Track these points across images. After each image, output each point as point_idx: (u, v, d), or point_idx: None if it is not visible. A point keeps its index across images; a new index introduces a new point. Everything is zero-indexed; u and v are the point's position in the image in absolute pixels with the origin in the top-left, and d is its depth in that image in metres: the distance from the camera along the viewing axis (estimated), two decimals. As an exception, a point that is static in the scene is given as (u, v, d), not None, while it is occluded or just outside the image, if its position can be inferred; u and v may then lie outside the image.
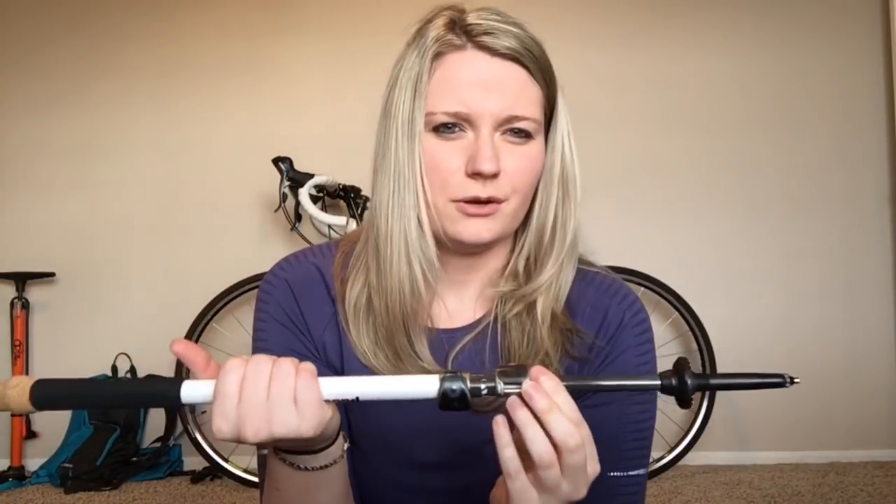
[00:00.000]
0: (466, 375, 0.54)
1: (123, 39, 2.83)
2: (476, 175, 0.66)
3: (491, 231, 0.69)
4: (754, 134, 2.70)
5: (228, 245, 2.73)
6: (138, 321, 2.73)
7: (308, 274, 0.77)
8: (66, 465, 2.42)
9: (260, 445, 0.59)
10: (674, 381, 0.55)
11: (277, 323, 0.75)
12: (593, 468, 0.55)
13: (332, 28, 2.78)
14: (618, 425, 0.73)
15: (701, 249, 2.69)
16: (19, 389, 0.54)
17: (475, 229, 0.68)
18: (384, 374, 0.73)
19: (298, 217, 2.50)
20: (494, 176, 0.67)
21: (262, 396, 0.52)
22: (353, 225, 2.34)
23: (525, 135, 0.69)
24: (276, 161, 2.39)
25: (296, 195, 2.36)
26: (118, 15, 2.83)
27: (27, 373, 2.68)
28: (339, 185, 2.45)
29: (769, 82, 2.71)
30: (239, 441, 0.53)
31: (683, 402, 0.55)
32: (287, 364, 0.54)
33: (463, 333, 0.75)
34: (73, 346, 2.74)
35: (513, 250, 0.77)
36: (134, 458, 2.54)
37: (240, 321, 2.52)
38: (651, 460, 2.42)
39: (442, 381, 0.54)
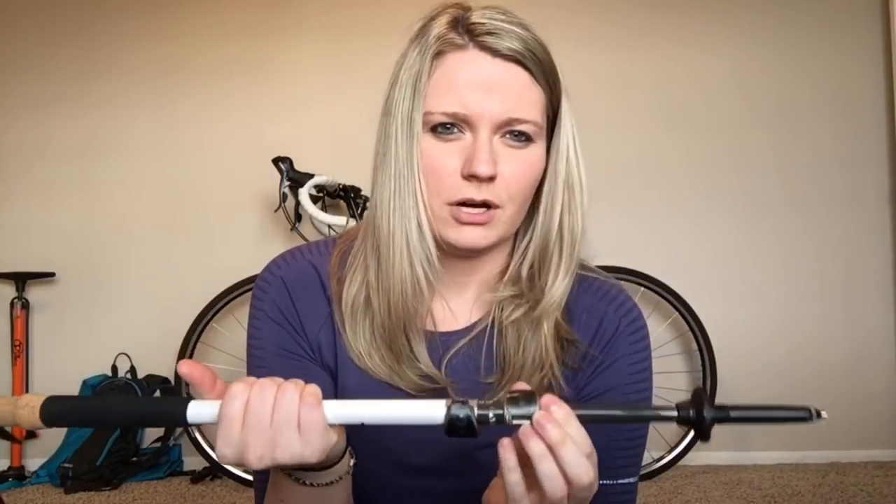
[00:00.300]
0: (474, 403, 0.53)
1: (123, 39, 2.82)
2: (472, 177, 0.65)
3: (487, 238, 0.68)
4: (755, 134, 2.70)
5: (228, 245, 2.73)
6: (138, 321, 2.73)
7: (304, 272, 0.76)
8: (66, 465, 2.42)
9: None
10: (691, 413, 0.52)
11: (272, 322, 0.75)
12: (596, 486, 0.54)
13: (333, 28, 2.78)
14: (610, 433, 0.72)
15: (701, 249, 2.69)
16: (29, 409, 0.55)
17: (470, 236, 0.68)
18: (378, 375, 0.73)
19: (298, 217, 2.50)
20: (491, 179, 0.66)
21: (266, 422, 0.52)
22: (353, 225, 2.34)
23: (525, 138, 0.67)
24: (276, 161, 2.39)
25: (296, 195, 2.36)
26: (118, 15, 2.83)
27: (27, 373, 2.68)
28: (339, 185, 2.45)
29: (769, 82, 2.71)
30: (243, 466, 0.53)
31: (702, 435, 0.52)
32: (291, 389, 0.53)
33: (459, 337, 0.74)
34: (73, 346, 2.74)
35: (511, 254, 0.75)
36: (134, 458, 2.54)
37: (240, 321, 2.52)
38: (651, 460, 2.42)
39: (449, 407, 0.53)
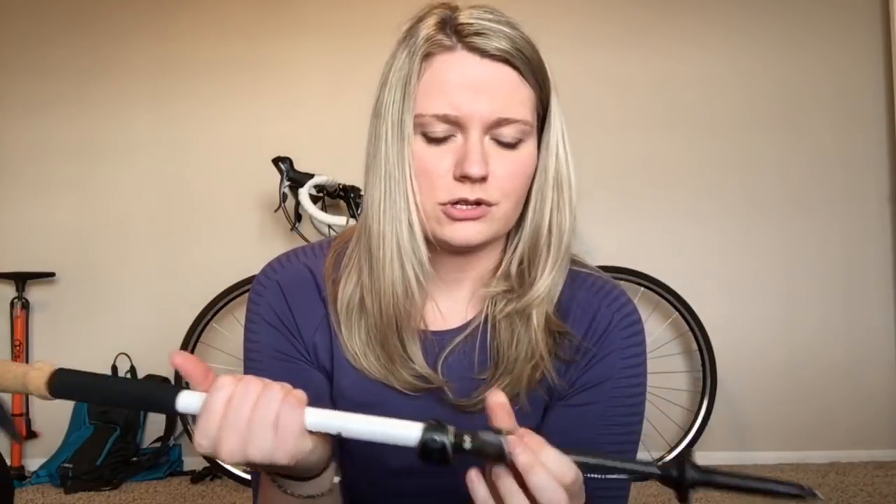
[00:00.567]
0: (451, 428, 0.52)
1: (122, 39, 2.82)
2: (464, 178, 0.66)
3: (481, 234, 0.68)
4: (755, 133, 2.70)
5: (228, 245, 2.73)
6: (138, 321, 2.73)
7: (299, 275, 0.77)
8: (66, 465, 2.42)
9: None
10: (673, 473, 0.51)
11: (268, 325, 0.75)
12: None
13: (332, 28, 2.78)
14: (599, 427, 0.72)
15: (701, 249, 2.69)
16: (41, 373, 0.56)
17: (464, 233, 0.68)
18: (374, 375, 0.73)
19: (298, 217, 2.50)
20: (483, 179, 0.66)
21: (244, 418, 0.52)
22: (353, 224, 2.34)
23: (516, 137, 0.68)
24: (276, 161, 2.39)
25: (296, 195, 2.36)
26: (117, 14, 2.83)
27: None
28: (339, 185, 2.45)
29: (770, 82, 2.71)
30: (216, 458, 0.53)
31: (682, 496, 0.51)
32: (276, 389, 0.54)
33: (454, 335, 0.75)
34: (73, 346, 2.74)
35: (504, 250, 0.76)
36: (134, 458, 2.54)
37: (239, 321, 2.52)
38: (651, 461, 2.41)
39: (424, 431, 0.52)
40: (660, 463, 0.51)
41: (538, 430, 0.74)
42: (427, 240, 0.69)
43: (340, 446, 0.76)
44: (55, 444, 2.58)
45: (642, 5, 2.76)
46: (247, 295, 2.62)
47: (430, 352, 0.74)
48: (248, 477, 2.35)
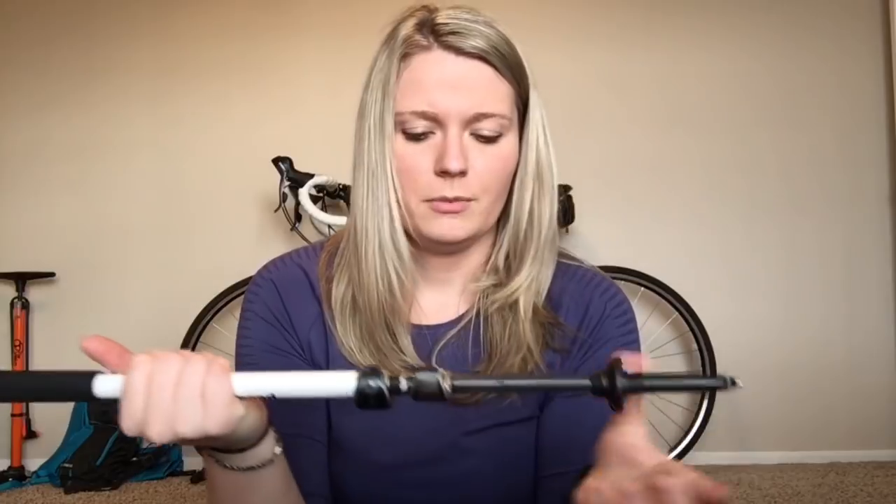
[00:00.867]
0: (385, 372, 0.51)
1: (122, 39, 2.82)
2: (444, 174, 0.67)
3: (464, 229, 0.70)
4: (755, 133, 2.70)
5: (228, 245, 2.73)
6: (138, 321, 2.73)
7: (293, 275, 0.78)
8: (66, 465, 2.42)
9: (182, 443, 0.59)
10: (604, 382, 0.51)
11: (262, 321, 0.76)
12: None
13: (332, 28, 2.78)
14: (603, 416, 0.72)
15: (701, 249, 2.69)
16: None
17: (447, 227, 0.69)
18: None
19: (298, 217, 2.50)
20: (462, 174, 0.67)
21: (168, 394, 0.50)
22: (352, 225, 2.34)
23: (495, 131, 0.69)
24: (276, 161, 2.39)
25: (296, 195, 2.36)
26: (116, 14, 2.83)
27: (27, 373, 2.68)
28: (339, 185, 2.45)
29: (770, 82, 2.71)
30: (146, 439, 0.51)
31: (615, 405, 0.52)
32: (198, 359, 0.52)
33: (447, 329, 0.76)
34: (73, 346, 2.68)
35: (493, 245, 0.78)
36: (134, 458, 2.54)
37: (240, 321, 2.52)
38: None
39: (359, 378, 0.51)
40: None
41: (537, 419, 0.76)
42: (412, 238, 0.71)
43: (330, 445, 0.77)
44: (55, 444, 2.58)
45: (643, 5, 2.76)
46: (247, 295, 2.61)
47: (424, 345, 0.75)
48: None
